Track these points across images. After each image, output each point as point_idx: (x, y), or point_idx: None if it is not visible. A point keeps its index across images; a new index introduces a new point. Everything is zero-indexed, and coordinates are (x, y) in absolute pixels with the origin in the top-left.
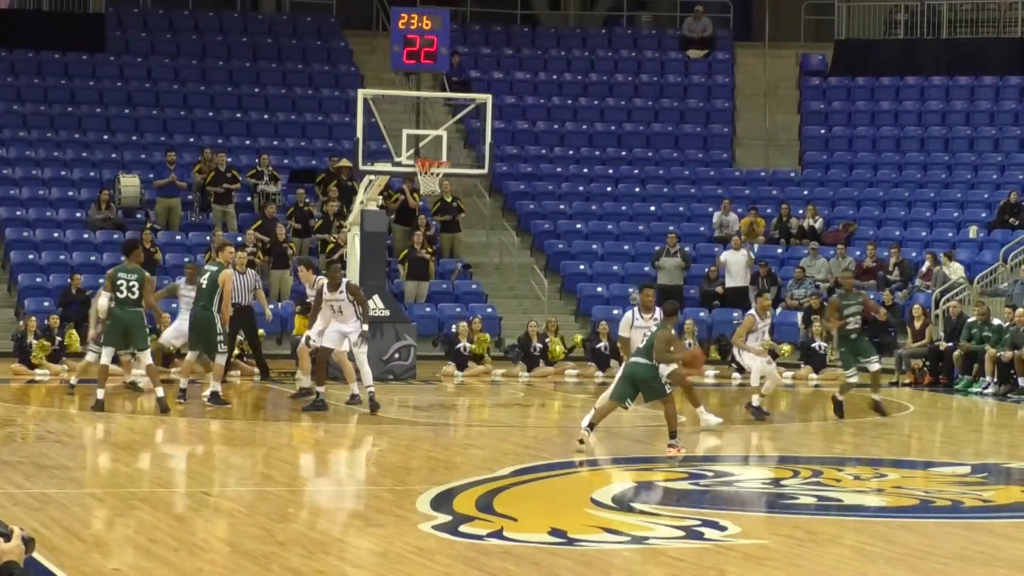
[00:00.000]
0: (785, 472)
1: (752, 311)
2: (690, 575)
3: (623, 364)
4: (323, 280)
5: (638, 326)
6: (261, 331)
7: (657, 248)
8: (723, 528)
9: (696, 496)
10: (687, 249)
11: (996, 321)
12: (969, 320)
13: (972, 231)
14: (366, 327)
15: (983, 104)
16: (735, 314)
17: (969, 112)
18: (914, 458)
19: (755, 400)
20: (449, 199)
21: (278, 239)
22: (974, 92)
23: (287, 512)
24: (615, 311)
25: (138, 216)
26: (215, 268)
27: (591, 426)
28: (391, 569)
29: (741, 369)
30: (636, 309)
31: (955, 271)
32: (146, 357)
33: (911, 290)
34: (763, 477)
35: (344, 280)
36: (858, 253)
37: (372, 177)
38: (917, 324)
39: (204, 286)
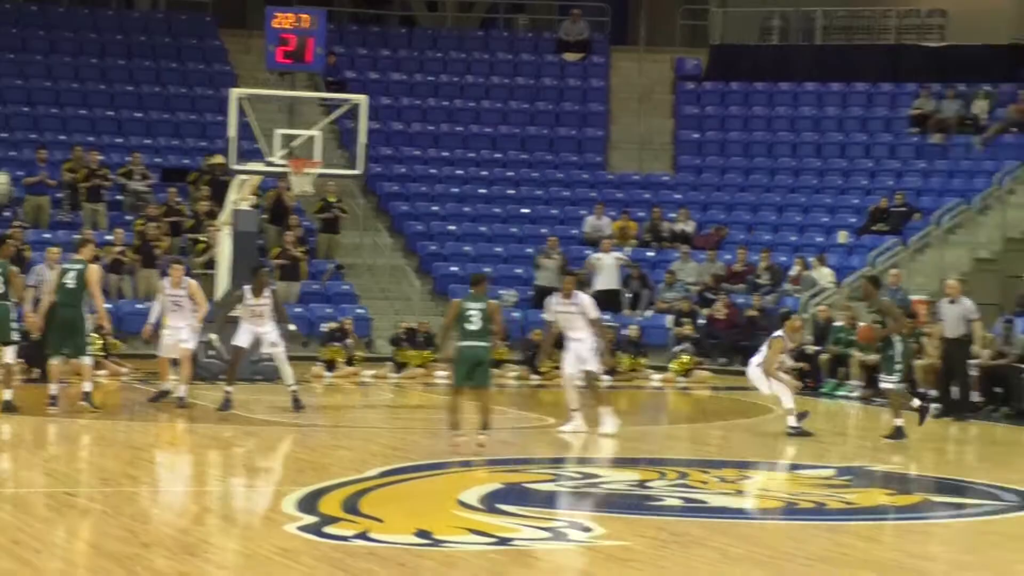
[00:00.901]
0: (651, 474)
1: (780, 333)
2: None
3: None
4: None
5: (559, 310)
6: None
7: (532, 250)
8: (588, 529)
9: (562, 498)
10: (561, 251)
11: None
12: (836, 324)
13: (841, 236)
14: (293, 326)
15: (855, 110)
16: (607, 316)
17: (841, 118)
18: (780, 460)
19: (792, 421)
20: (333, 199)
21: (147, 238)
22: (846, 98)
23: (151, 513)
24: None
25: (5, 214)
26: (79, 266)
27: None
28: (256, 571)
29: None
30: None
31: (825, 276)
32: (7, 354)
33: (780, 294)
34: (629, 479)
35: (270, 286)
36: (728, 257)
37: (244, 177)
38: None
39: (70, 285)
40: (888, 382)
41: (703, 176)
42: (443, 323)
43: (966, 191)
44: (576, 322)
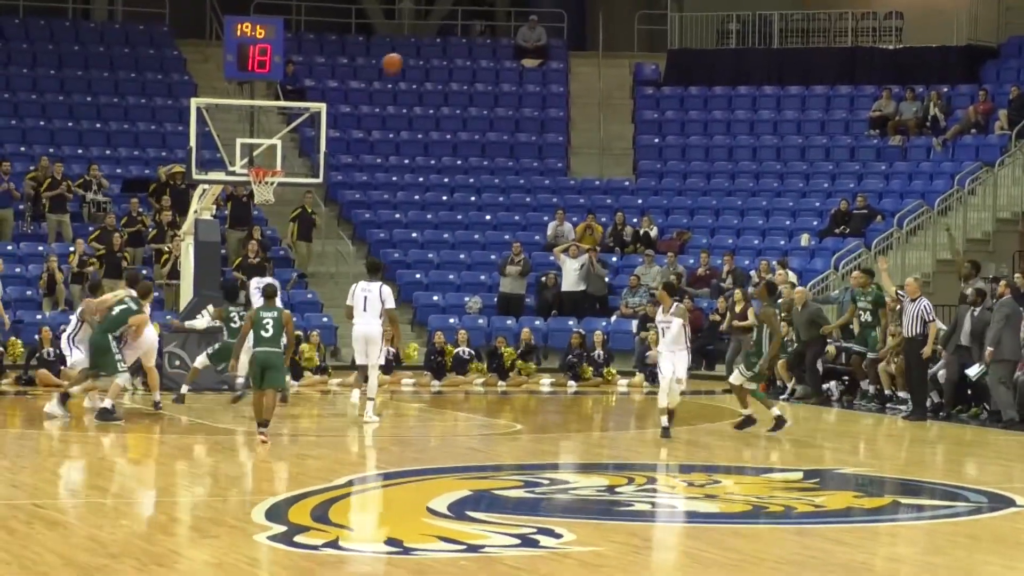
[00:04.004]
0: (620, 479)
1: None
2: None
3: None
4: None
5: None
6: None
7: (496, 256)
8: (558, 536)
9: (531, 504)
10: (525, 257)
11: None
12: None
13: (804, 239)
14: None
15: (814, 113)
16: (570, 322)
17: (800, 121)
18: (749, 464)
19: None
20: (309, 210)
21: (113, 248)
22: (805, 101)
23: (120, 524)
24: (451, 320)
25: None
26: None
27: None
28: None
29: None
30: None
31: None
32: None
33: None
34: (598, 484)
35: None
36: (691, 261)
37: (205, 186)
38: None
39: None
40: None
41: (664, 181)
42: (241, 331)
43: (927, 193)
44: (671, 334)
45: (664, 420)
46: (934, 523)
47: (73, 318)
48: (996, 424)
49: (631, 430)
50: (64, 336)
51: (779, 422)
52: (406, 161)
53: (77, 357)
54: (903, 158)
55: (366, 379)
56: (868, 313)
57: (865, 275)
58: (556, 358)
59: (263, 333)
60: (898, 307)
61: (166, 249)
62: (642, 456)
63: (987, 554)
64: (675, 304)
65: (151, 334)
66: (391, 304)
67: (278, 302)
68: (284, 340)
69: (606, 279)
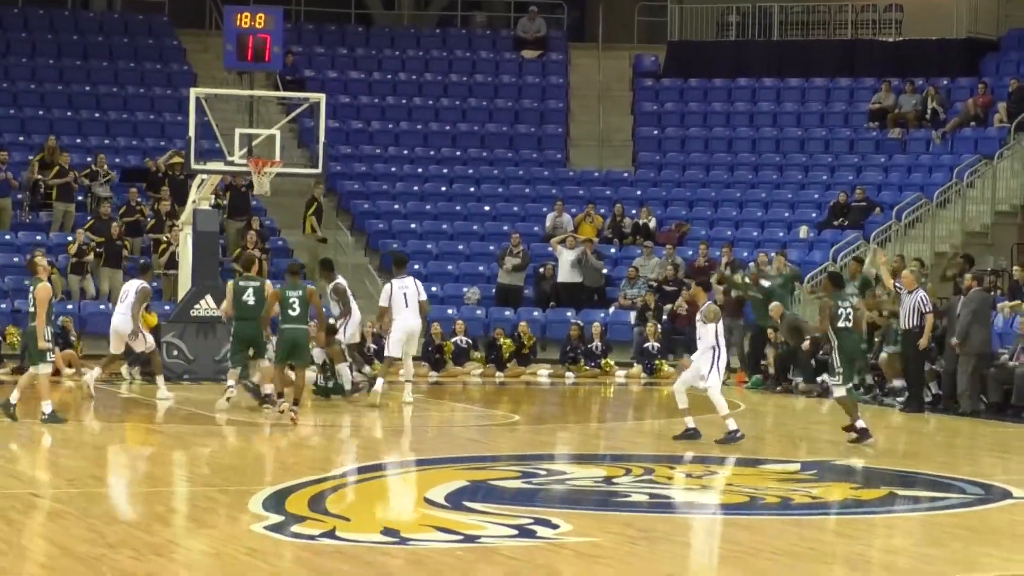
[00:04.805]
0: (617, 470)
1: None
2: (522, 573)
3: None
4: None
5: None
6: None
7: (494, 247)
8: (555, 526)
9: (529, 494)
10: (524, 248)
11: None
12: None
13: (803, 231)
14: None
15: (813, 105)
16: (568, 313)
17: (800, 113)
18: (745, 456)
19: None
20: (320, 200)
21: (112, 237)
22: (805, 93)
23: (117, 514)
24: (450, 311)
25: None
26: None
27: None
28: (222, 570)
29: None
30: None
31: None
32: None
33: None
34: (595, 475)
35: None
36: (690, 253)
37: (204, 176)
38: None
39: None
40: (831, 383)
41: (663, 172)
42: (265, 310)
43: (925, 185)
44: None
45: (690, 422)
46: (931, 515)
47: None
48: (963, 415)
49: (628, 421)
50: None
51: (861, 433)
52: (405, 152)
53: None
54: (902, 151)
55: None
56: (857, 299)
57: (855, 263)
58: (554, 349)
59: (290, 312)
60: (885, 295)
61: (164, 239)
62: (639, 447)
63: (985, 546)
64: (708, 303)
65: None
66: (424, 296)
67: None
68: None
69: (603, 270)
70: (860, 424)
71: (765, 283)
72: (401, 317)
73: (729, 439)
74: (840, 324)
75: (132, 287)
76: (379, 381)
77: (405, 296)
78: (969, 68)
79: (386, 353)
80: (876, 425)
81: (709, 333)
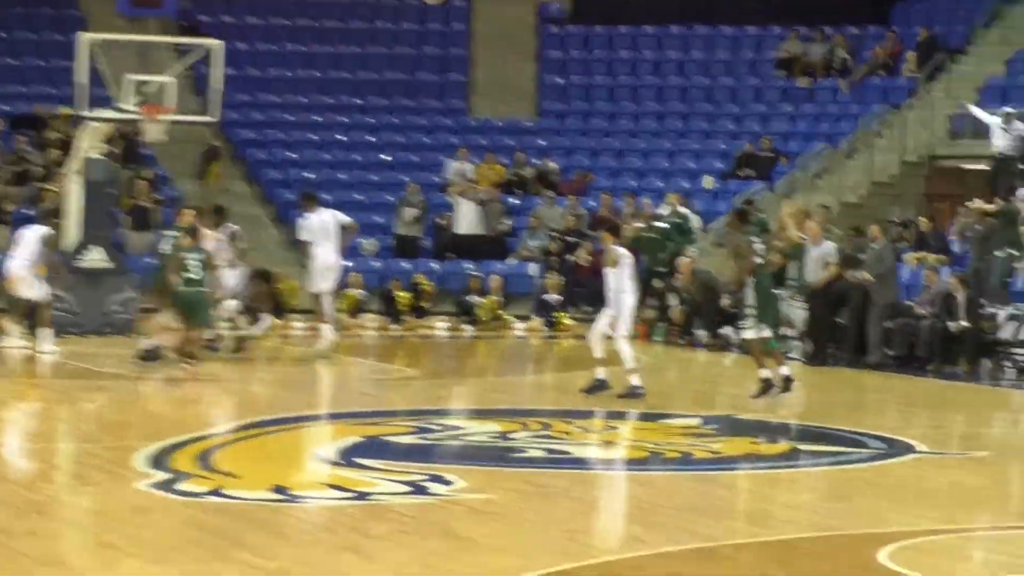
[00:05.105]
0: (514, 425)
1: None
2: (415, 531)
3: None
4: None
5: None
6: None
7: (393, 198)
8: (449, 483)
9: (423, 450)
10: (423, 198)
11: None
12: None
13: (707, 181)
14: None
15: (720, 54)
16: (467, 265)
17: (706, 62)
18: (645, 410)
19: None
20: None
21: None
22: (711, 42)
23: None
24: (348, 262)
25: None
26: None
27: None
28: (106, 528)
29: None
30: None
31: (691, 222)
32: None
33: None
34: (491, 431)
35: None
36: (593, 203)
37: (94, 124)
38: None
39: None
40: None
41: (567, 121)
42: (166, 273)
43: (833, 135)
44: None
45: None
46: (834, 469)
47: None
48: (870, 367)
49: (527, 375)
50: None
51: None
52: (303, 100)
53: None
54: (810, 100)
55: None
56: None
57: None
58: (452, 302)
59: (189, 273)
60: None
61: (52, 188)
62: (537, 402)
63: (889, 500)
64: (612, 248)
65: None
66: (348, 219)
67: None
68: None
69: (504, 220)
70: (764, 373)
71: (661, 224)
72: (323, 249)
73: (631, 394)
74: (755, 260)
75: (34, 233)
76: (326, 328)
77: (326, 230)
78: (878, 17)
79: (310, 289)
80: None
81: (614, 279)
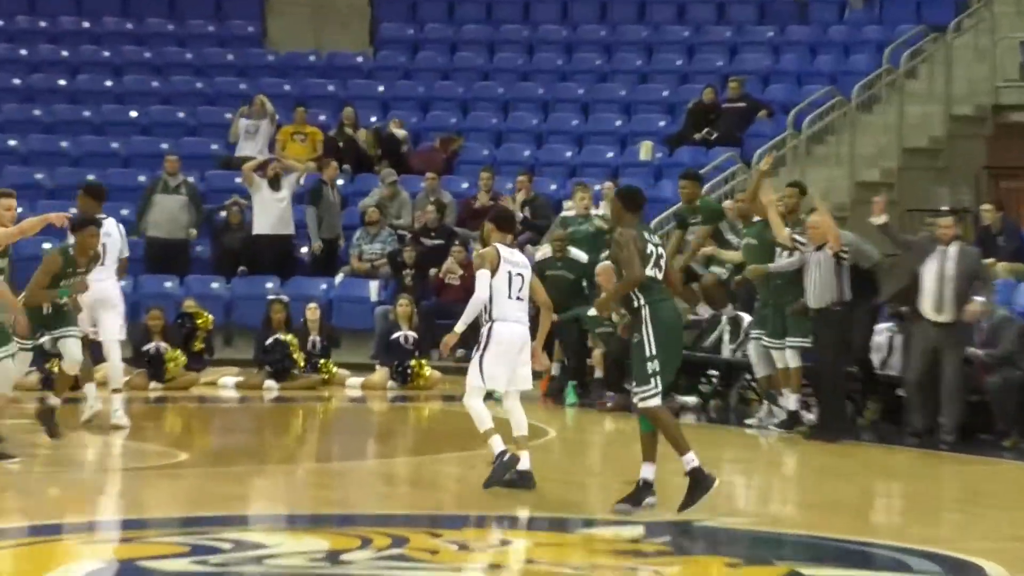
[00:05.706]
0: (349, 541)
1: None
2: None
3: None
4: None
5: None
6: None
7: (146, 178)
8: None
9: None
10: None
11: None
12: None
13: (644, 149)
14: None
15: None
16: (268, 284)
17: None
18: (561, 513)
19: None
20: None
21: None
22: None
23: None
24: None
25: None
26: None
27: None
28: None
29: None
30: None
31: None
32: None
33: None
34: (313, 549)
35: None
36: (465, 185)
37: None
38: None
39: None
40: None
41: (419, 57)
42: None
43: (840, 75)
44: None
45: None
46: None
47: None
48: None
49: (368, 459)
50: None
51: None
52: None
53: None
54: (802, 20)
55: None
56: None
57: (691, 182)
58: (247, 343)
59: None
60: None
61: None
62: (386, 502)
63: None
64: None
65: None
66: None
67: None
68: None
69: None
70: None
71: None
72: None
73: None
74: (649, 272)
75: None
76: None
77: (104, 246)
78: None
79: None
80: (772, 461)
81: (482, 287)
